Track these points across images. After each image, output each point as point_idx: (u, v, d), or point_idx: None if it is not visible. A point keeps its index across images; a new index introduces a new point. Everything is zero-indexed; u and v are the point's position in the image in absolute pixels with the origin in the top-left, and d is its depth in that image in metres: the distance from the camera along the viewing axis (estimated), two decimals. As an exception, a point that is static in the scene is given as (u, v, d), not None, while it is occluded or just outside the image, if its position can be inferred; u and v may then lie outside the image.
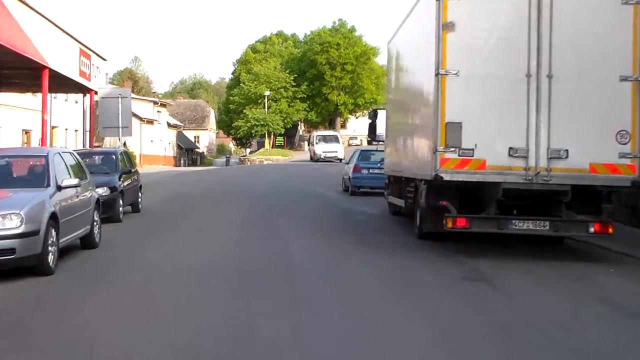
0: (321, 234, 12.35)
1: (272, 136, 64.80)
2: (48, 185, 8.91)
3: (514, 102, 9.48)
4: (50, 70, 17.75)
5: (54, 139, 40.25)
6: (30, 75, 18.76)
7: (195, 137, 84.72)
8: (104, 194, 13.83)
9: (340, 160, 41.30)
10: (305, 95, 65.24)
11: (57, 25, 18.35)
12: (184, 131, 78.51)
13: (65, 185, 9.15)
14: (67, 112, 38.90)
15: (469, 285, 8.09)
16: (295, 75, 64.59)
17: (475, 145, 9.44)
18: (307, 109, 65.73)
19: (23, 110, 34.00)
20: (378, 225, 14.36)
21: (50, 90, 21.41)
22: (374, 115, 16.91)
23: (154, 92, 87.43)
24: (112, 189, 14.16)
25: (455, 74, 9.49)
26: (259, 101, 63.80)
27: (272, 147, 63.58)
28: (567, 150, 9.38)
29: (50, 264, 8.32)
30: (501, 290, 7.82)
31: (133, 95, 66.74)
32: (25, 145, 37.39)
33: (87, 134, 23.60)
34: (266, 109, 62.59)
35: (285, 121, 63.51)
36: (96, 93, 23.14)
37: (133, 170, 16.31)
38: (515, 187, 9.46)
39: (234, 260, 9.59)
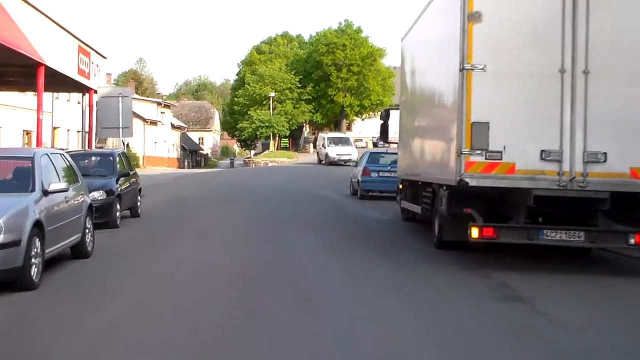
0: (332, 244, 11.46)
1: (277, 138, 63.98)
2: (33, 189, 8.06)
3: (546, 99, 8.62)
4: (47, 67, 16.90)
5: (55, 139, 39.61)
6: (26, 73, 17.93)
7: (199, 138, 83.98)
8: (99, 198, 13.04)
9: (356, 163, 40.19)
10: (311, 97, 64.38)
11: (54, 21, 17.53)
12: (188, 133, 77.78)
13: (53, 189, 8.30)
14: (69, 112, 38.16)
15: (503, 305, 7.19)
16: (301, 77, 63.72)
17: (504, 148, 8.59)
18: (312, 110, 64.85)
19: (24, 111, 33.27)
20: (392, 232, 13.50)
21: (48, 89, 20.58)
22: (385, 116, 16.01)
23: (158, 93, 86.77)
24: (109, 192, 13.33)
25: (482, 69, 8.63)
26: (264, 102, 62.98)
27: (277, 149, 62.74)
28: (605, 154, 8.51)
29: (34, 277, 7.48)
30: (540, 312, 6.91)
31: (136, 96, 66.39)
32: (26, 146, 36.67)
33: (87, 134, 22.72)
34: (271, 111, 61.78)
35: (291, 123, 62.67)
36: (96, 92, 22.31)
37: (132, 173, 15.46)
38: (548, 193, 8.59)
39: (238, 277, 8.74)
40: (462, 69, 8.66)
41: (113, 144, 47.00)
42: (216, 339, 5.76)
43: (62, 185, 8.54)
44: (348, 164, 38.25)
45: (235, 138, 76.25)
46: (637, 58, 8.53)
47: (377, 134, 43.98)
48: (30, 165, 8.35)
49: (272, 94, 61.42)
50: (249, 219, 15.35)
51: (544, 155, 8.55)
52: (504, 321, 6.56)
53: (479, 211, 9.04)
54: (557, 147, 8.55)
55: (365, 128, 68.68)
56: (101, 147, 34.49)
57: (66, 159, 9.87)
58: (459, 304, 7.26)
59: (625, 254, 10.32)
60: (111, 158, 14.67)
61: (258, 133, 61.89)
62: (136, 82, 79.64)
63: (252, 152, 72.16)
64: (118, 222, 13.45)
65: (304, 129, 72.68)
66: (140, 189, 16.05)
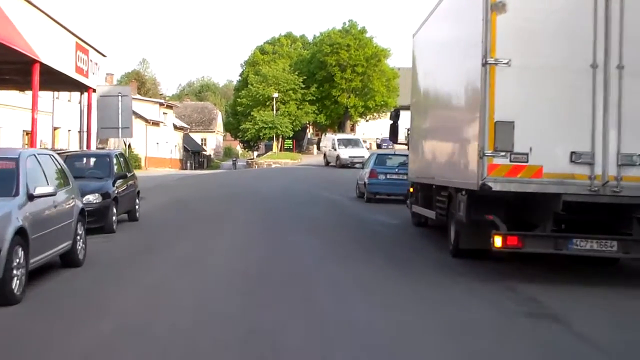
0: (340, 252, 10.75)
1: (280, 139, 63.29)
2: (17, 193, 7.37)
3: (576, 97, 7.93)
4: (42, 65, 16.24)
5: (56, 140, 38.97)
6: (21, 71, 17.27)
7: (202, 139, 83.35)
8: (95, 202, 12.37)
9: (363, 165, 39.06)
10: (315, 98, 63.66)
11: (50, 17, 16.87)
12: (190, 134, 77.16)
13: (39, 193, 7.61)
14: (70, 112, 37.51)
15: (535, 323, 6.47)
16: (304, 77, 63.02)
17: (530, 149, 7.89)
18: (316, 111, 64.15)
19: (24, 111, 32.60)
20: (403, 238, 12.79)
21: (45, 88, 19.94)
22: (395, 116, 15.27)
23: (160, 94, 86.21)
24: (105, 195, 12.64)
25: (507, 63, 7.93)
26: (267, 103, 62.29)
27: (280, 150, 62.05)
28: (641, 156, 7.80)
29: (15, 290, 6.79)
30: (578, 333, 6.19)
31: (138, 96, 65.85)
32: (26, 146, 36.08)
33: (85, 134, 22.04)
34: (274, 111, 61.10)
35: (294, 124, 61.97)
36: (94, 91, 21.64)
37: (129, 175, 14.76)
38: (579, 199, 7.89)
39: (240, 284, 8.04)
40: (484, 64, 7.97)
41: (115, 144, 46.54)
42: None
43: (49, 189, 7.85)
44: (356, 165, 37.10)
45: (238, 139, 75.60)
46: (676, 52, 7.82)
47: (378, 136, 42.83)
48: (15, 167, 7.65)
49: (276, 95, 60.74)
50: (252, 223, 14.66)
51: (574, 157, 7.86)
52: (538, 343, 5.84)
53: (501, 218, 8.32)
54: (589, 148, 7.86)
55: (369, 129, 67.93)
56: (102, 148, 33.86)
57: (56, 160, 9.19)
58: (484, 320, 6.56)
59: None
60: (108, 159, 13.99)
61: (261, 134, 61.21)
62: (139, 82, 79.09)
63: (255, 153, 71.47)
64: (114, 226, 12.77)
65: (307, 130, 72.01)
66: (138, 192, 15.36)
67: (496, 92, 7.92)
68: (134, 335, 5.90)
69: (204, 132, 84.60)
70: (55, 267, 8.73)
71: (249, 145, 72.87)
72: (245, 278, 8.48)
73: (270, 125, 59.93)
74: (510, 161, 7.88)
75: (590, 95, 7.84)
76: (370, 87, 63.98)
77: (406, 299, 7.54)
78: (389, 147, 48.07)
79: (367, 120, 67.93)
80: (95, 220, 12.25)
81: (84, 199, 12.19)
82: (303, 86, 62.62)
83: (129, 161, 15.61)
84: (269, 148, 66.56)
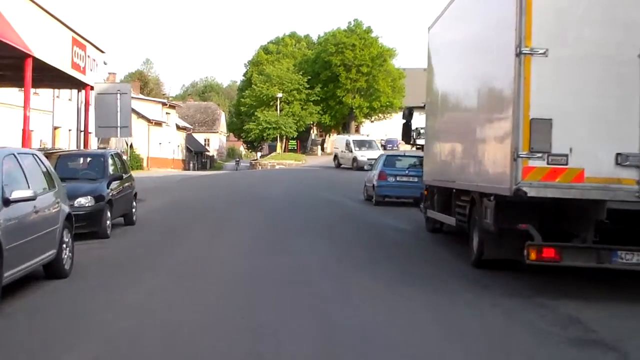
0: (351, 261, 9.89)
1: (284, 140, 62.44)
2: (-10, 198, 6.52)
3: (623, 91, 7.04)
4: (36, 60, 15.40)
5: (56, 139, 38.17)
6: (13, 66, 16.41)
7: (205, 140, 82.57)
8: (87, 205, 11.54)
9: (371, 166, 37.67)
10: (319, 98, 62.79)
11: (44, 9, 16.03)
12: (193, 134, 76.38)
13: (16, 198, 6.76)
14: (71, 111, 36.70)
15: (583, 352, 5.58)
16: (309, 77, 62.17)
17: (570, 150, 7.01)
18: (320, 112, 63.30)
19: (23, 110, 31.82)
20: (417, 246, 11.89)
21: (39, 84, 19.15)
22: (408, 114, 14.34)
23: (163, 94, 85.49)
24: (98, 198, 11.79)
25: (543, 53, 7.05)
26: (271, 103, 61.47)
27: (285, 151, 61.19)
28: (697, 158, 6.91)
29: (-15, 309, 5.95)
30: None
31: (141, 96, 65.10)
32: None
33: (82, 133, 21.18)
34: (278, 112, 60.26)
35: (298, 124, 61.11)
36: (92, 88, 20.78)
37: (126, 176, 13.88)
38: (625, 206, 7.01)
39: (243, 306, 7.17)
40: (518, 54, 7.08)
41: (117, 144, 45.68)
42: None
43: (29, 192, 6.98)
44: (365, 167, 35.86)
45: (241, 140, 74.81)
46: None
47: (382, 137, 41.55)
48: (-10, 168, 6.80)
49: (280, 95, 59.89)
50: (255, 228, 13.78)
51: (620, 159, 6.96)
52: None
53: (535, 227, 7.43)
54: (637, 149, 6.96)
55: (374, 130, 67.00)
56: (104, 148, 33.04)
57: (40, 160, 8.32)
58: (520, 345, 5.68)
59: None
60: (102, 159, 13.11)
61: (265, 135, 60.34)
62: (142, 82, 78.39)
63: (259, 154, 70.61)
64: (108, 231, 11.91)
65: (311, 131, 71.17)
66: (135, 194, 14.49)
67: (532, 86, 7.04)
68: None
69: (207, 132, 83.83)
70: (38, 278, 7.89)
71: (253, 145, 72.07)
72: (248, 295, 7.61)
73: (274, 125, 59.07)
74: (548, 163, 7.00)
75: (639, 89, 6.95)
76: (375, 88, 63.14)
77: (425, 314, 6.68)
78: (394, 148, 47.08)
79: (372, 121, 67.01)
80: (87, 225, 11.42)
81: (75, 201, 11.43)
82: (307, 86, 61.77)
83: (125, 161, 14.73)
84: (272, 149, 65.70)
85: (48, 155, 13.85)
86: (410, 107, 14.49)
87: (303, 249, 10.99)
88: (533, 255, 7.14)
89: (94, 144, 39.76)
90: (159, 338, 5.75)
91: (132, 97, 54.52)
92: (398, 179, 19.23)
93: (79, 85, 20.73)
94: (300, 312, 6.68)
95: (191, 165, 68.34)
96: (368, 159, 38.97)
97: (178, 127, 66.80)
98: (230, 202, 19.83)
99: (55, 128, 38.37)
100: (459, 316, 6.68)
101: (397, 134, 49.45)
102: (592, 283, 8.35)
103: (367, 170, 35.06)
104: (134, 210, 14.04)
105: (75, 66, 18.74)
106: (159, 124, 59.48)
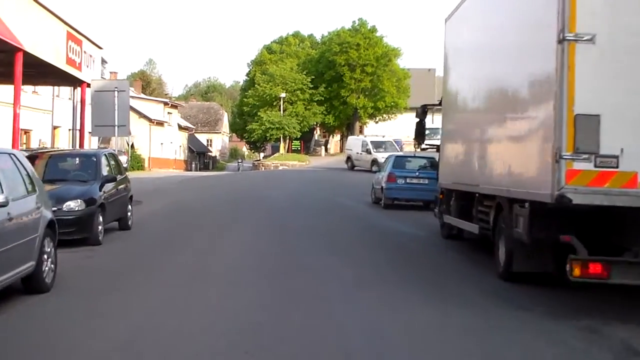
0: (365, 272, 8.99)
1: (287, 140, 61.55)
2: (-47, 204, 5.66)
3: (682, 84, 6.13)
4: (26, 54, 14.55)
5: (56, 139, 37.35)
6: (4, 61, 15.55)
7: (207, 140, 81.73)
8: (77, 209, 10.68)
9: (379, 168, 36.17)
10: (323, 98, 61.93)
11: (37, 1, 15.19)
12: (196, 134, 75.57)
13: (-15, 204, 5.89)
14: (72, 111, 35.94)
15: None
16: (313, 77, 61.32)
17: (622, 151, 6.13)
18: (324, 112, 62.43)
19: (22, 109, 31.03)
20: (434, 255, 10.97)
21: (31, 81, 18.32)
22: (422, 113, 13.41)
23: (166, 94, 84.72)
24: (89, 202, 10.91)
25: (590, 39, 6.16)
26: (274, 103, 60.60)
27: (288, 152, 60.30)
28: None
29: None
30: None
31: (143, 95, 64.29)
32: (24, 146, 34.56)
33: (78, 132, 20.30)
34: (281, 112, 59.38)
35: (302, 125, 60.22)
36: (89, 86, 19.90)
37: (120, 178, 12.97)
38: (685, 216, 6.10)
39: (246, 331, 6.28)
40: (561, 40, 6.19)
41: (118, 144, 44.81)
42: None
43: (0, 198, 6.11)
44: (373, 169, 34.69)
45: (244, 140, 73.94)
46: None
47: (389, 138, 40.36)
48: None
49: (283, 95, 59.03)
50: (259, 234, 12.90)
51: (679, 162, 6.07)
52: None
53: (577, 238, 6.53)
54: (698, 150, 6.07)
55: (378, 131, 66.12)
56: (104, 148, 32.22)
57: (19, 161, 7.44)
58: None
59: None
60: (94, 159, 12.21)
61: (268, 135, 59.46)
62: (144, 82, 77.63)
63: (262, 154, 69.76)
64: (100, 237, 11.04)
65: (315, 132, 70.32)
66: (131, 197, 13.60)
67: (577, 77, 6.15)
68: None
69: (209, 132, 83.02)
70: (16, 293, 7.02)
71: (256, 146, 71.23)
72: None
73: (277, 125, 58.20)
74: (596, 166, 6.11)
75: (700, 82, 6.07)
76: (380, 88, 62.30)
77: (463, 342, 5.77)
78: (399, 149, 45.92)
79: (376, 122, 66.13)
80: (77, 231, 10.58)
81: (64, 205, 10.59)
82: (311, 86, 60.94)
83: (120, 162, 13.83)
84: (275, 149, 64.85)
85: (38, 155, 13.05)
86: (424, 105, 13.56)
87: (312, 257, 10.10)
88: (577, 271, 6.24)
89: (94, 144, 38.99)
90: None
91: (134, 97, 53.89)
92: (408, 180, 18.39)
93: (74, 82, 19.87)
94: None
95: (193, 165, 67.51)
96: None
97: (180, 127, 65.97)
98: (232, 205, 18.93)
99: (54, 127, 37.56)
100: (500, 344, 5.78)
101: (398, 134, 48.56)
102: (618, 295, 7.41)
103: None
104: (129, 214, 13.16)
105: (70, 62, 17.89)
106: (160, 124, 58.66)
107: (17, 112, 14.50)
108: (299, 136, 61.21)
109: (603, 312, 6.77)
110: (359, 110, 62.65)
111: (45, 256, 7.31)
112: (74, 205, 10.64)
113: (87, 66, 19.52)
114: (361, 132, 65.80)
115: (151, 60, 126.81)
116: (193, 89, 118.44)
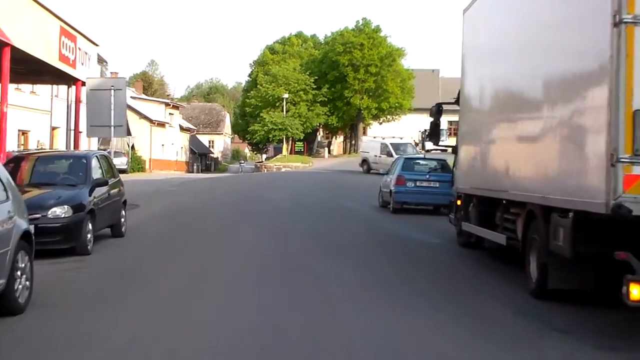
0: (379, 288, 8.10)
1: (290, 141, 60.69)
2: None
3: None
4: (15, 49, 13.69)
5: (55, 140, 36.51)
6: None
7: (209, 141, 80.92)
8: (63, 216, 9.79)
9: (387, 170, 34.74)
10: (326, 99, 61.10)
11: (26, -7, 14.36)
12: (197, 135, 74.74)
13: (-60, 214, 5.00)
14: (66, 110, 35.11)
15: None
16: (316, 77, 60.47)
17: (689, 153, 5.20)
18: (327, 113, 61.59)
19: (20, 109, 30.32)
20: (452, 266, 10.03)
21: (23, 79, 17.49)
22: (437, 112, 12.49)
23: (168, 95, 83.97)
24: (77, 208, 10.01)
25: (650, 22, 5.25)
26: (277, 104, 59.77)
27: (291, 153, 59.43)
28: None
29: None
30: None
31: (144, 96, 63.49)
32: (22, 147, 33.76)
33: (72, 133, 19.42)
34: (284, 113, 58.52)
35: (305, 126, 59.35)
36: (84, 84, 19.04)
37: (113, 182, 12.05)
38: None
39: (249, 354, 5.39)
40: (617, 23, 5.30)
41: (118, 145, 43.99)
42: None
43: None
44: (380, 171, 33.52)
45: (246, 141, 73.13)
46: None
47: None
48: None
49: (286, 96, 58.20)
50: (261, 241, 12.00)
51: None
52: None
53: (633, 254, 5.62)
54: None
55: (382, 132, 65.24)
56: (104, 149, 31.33)
57: (-10, 164, 6.56)
58: None
59: None
60: (84, 161, 11.28)
61: (270, 136, 58.62)
62: (145, 83, 76.87)
63: (264, 156, 68.92)
64: (89, 247, 10.14)
65: (317, 133, 69.49)
66: (125, 201, 12.69)
67: (635, 66, 5.24)
68: None
69: (211, 133, 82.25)
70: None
71: (258, 147, 70.41)
72: (255, 331, 5.82)
73: (280, 126, 57.35)
74: (659, 171, 5.21)
75: None
76: (384, 88, 61.49)
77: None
78: (400, 152, 44.74)
79: (380, 123, 65.23)
80: (63, 240, 9.69)
81: (49, 212, 9.70)
82: (314, 87, 60.12)
83: (113, 164, 12.93)
84: (278, 150, 64.01)
85: (24, 157, 12.17)
86: (439, 104, 12.61)
87: (319, 268, 9.20)
88: (636, 295, 5.33)
89: (94, 145, 38.16)
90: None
91: (135, 97, 52.90)
92: (418, 184, 17.52)
93: (69, 80, 19.00)
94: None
95: (195, 167, 66.71)
96: None
97: (182, 128, 65.16)
98: (234, 209, 18.04)
99: (53, 128, 36.76)
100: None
101: (401, 134, 47.51)
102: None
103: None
104: (122, 220, 12.25)
105: (63, 59, 17.05)
106: (162, 124, 57.83)
107: (4, 111, 13.62)
108: (301, 137, 60.35)
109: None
110: (362, 111, 61.85)
111: (19, 272, 6.41)
112: (60, 211, 9.74)
113: (82, 64, 18.67)
114: (365, 133, 64.96)
115: (153, 61, 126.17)
116: (195, 90, 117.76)
